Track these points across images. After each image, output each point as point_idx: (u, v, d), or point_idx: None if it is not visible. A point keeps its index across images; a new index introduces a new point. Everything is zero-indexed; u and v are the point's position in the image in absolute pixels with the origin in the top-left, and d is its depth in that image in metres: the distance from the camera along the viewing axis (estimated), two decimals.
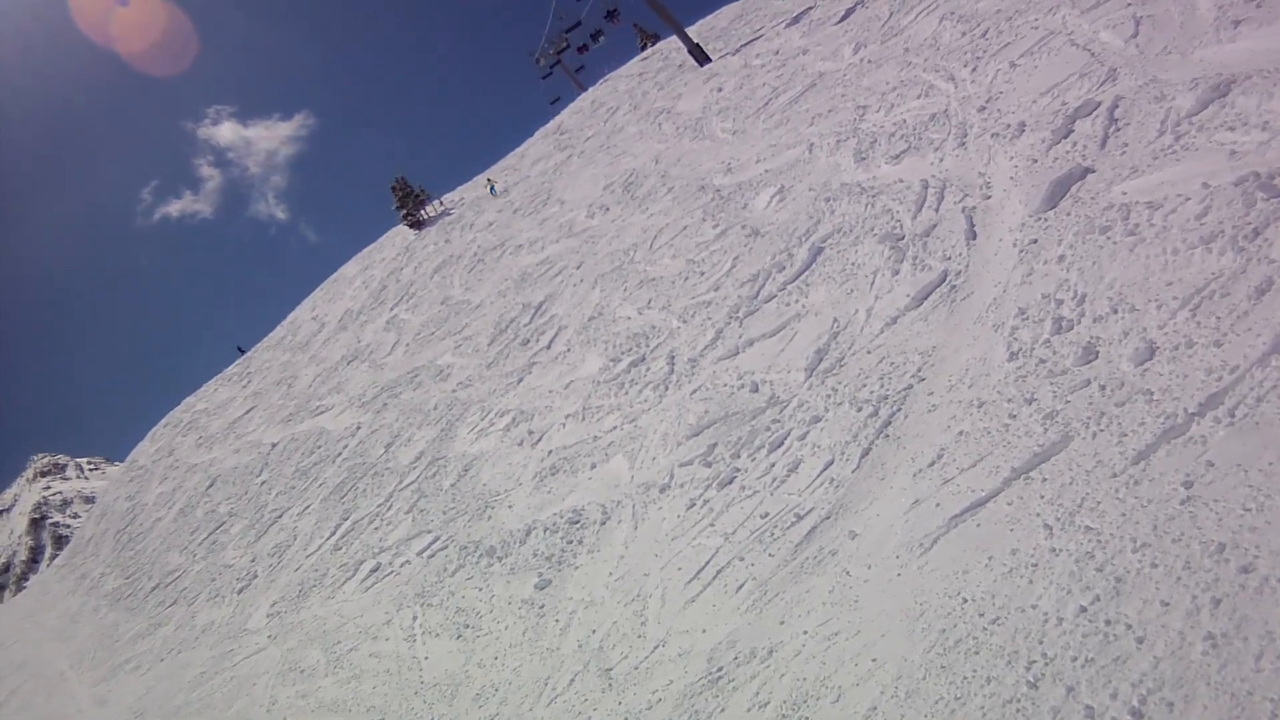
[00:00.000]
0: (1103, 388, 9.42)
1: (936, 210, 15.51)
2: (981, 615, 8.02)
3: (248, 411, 46.58)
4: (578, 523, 15.16)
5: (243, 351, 71.54)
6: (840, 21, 33.50)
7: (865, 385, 12.84)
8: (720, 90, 37.02)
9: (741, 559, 11.45)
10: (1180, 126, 12.30)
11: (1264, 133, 10.88)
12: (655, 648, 11.19)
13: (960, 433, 10.51)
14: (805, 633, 9.63)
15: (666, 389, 17.08)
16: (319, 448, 31.57)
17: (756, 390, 14.84)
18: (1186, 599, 6.69)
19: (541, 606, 13.83)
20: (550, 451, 18.28)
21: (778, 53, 36.62)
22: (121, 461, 72.12)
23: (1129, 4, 16.26)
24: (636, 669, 11.07)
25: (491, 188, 52.67)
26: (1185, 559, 6.99)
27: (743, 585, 11.00)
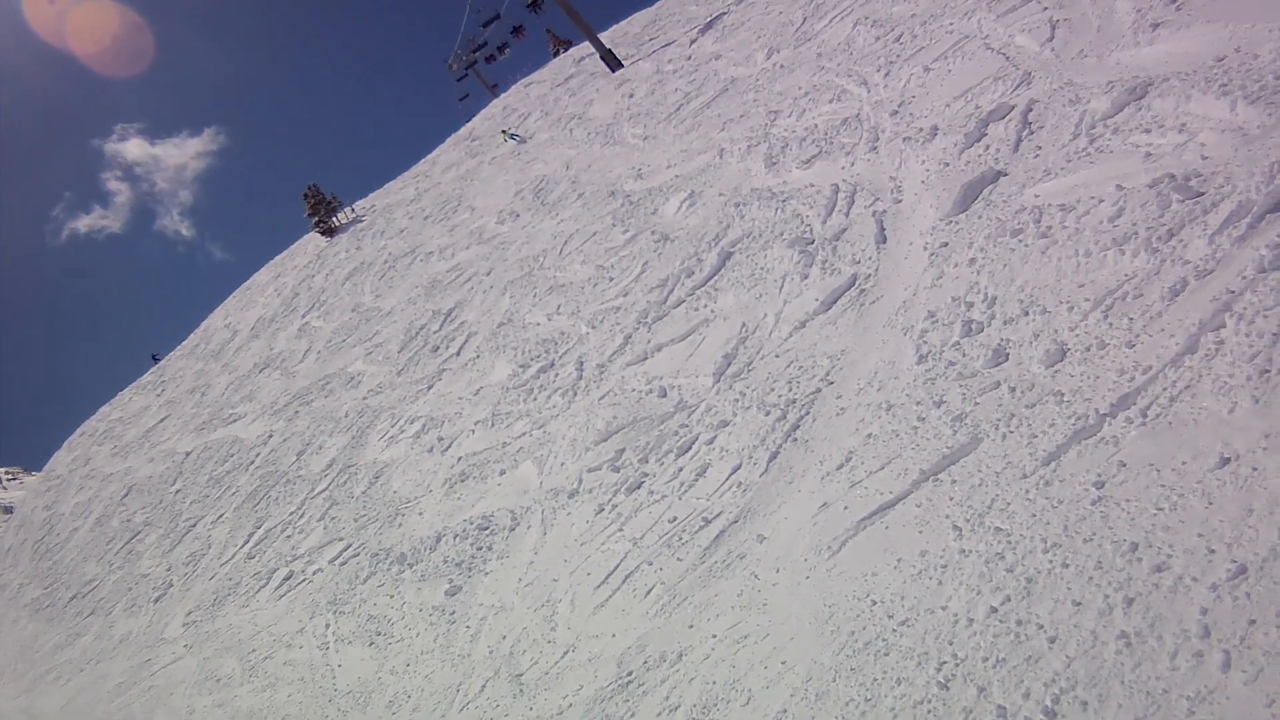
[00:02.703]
0: (1013, 389, 9.38)
1: (847, 214, 15.46)
2: (891, 617, 7.94)
3: (162, 420, 45.99)
4: (487, 529, 15.01)
5: (157, 359, 70.83)
6: (752, 25, 33.54)
7: (773, 389, 12.76)
8: (632, 96, 36.97)
9: (650, 563, 11.34)
10: (1095, 129, 12.31)
11: (1180, 135, 10.88)
12: (565, 653, 11.08)
13: (869, 435, 10.44)
14: (714, 636, 9.53)
15: (575, 395, 16.96)
16: (232, 456, 31.23)
17: (664, 395, 14.74)
18: (1099, 598, 6.63)
19: (452, 613, 13.69)
20: (460, 458, 18.12)
21: (690, 58, 36.65)
22: (39, 471, 71.31)
23: (1046, 8, 16.30)
24: (547, 674, 10.97)
25: (513, 135, 48.63)
26: (1097, 559, 6.93)
27: (651, 589, 10.90)
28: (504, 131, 48.87)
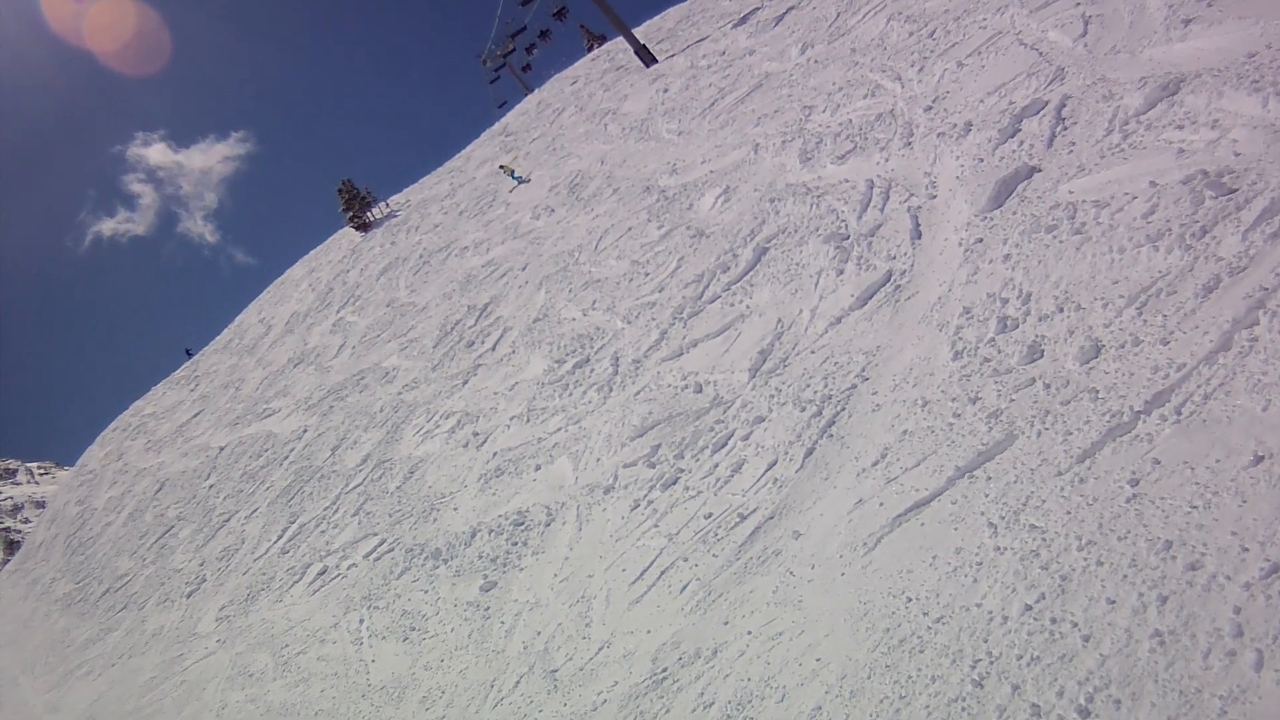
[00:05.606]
0: (1048, 386, 9.38)
1: (882, 210, 15.44)
2: (926, 614, 7.97)
3: (195, 415, 46.00)
4: (522, 524, 15.04)
5: (190, 354, 70.84)
6: (786, 21, 33.43)
7: (809, 385, 12.76)
8: (666, 91, 36.87)
9: (685, 559, 11.36)
10: (1128, 125, 12.27)
11: (1213, 131, 10.85)
12: (600, 649, 11.10)
13: (904, 432, 10.45)
14: (749, 633, 9.55)
15: (610, 390, 16.98)
16: (266, 451, 31.31)
17: (700, 391, 14.75)
18: (1133, 596, 6.65)
19: (487, 609, 13.72)
20: (495, 453, 18.15)
21: (724, 53, 36.52)
22: (72, 466, 71.36)
23: (1078, 3, 16.23)
24: (581, 670, 10.99)
25: (514, 174, 45.75)
26: (1131, 557, 6.94)
27: (687, 586, 10.93)
28: (502, 167, 46.43)
